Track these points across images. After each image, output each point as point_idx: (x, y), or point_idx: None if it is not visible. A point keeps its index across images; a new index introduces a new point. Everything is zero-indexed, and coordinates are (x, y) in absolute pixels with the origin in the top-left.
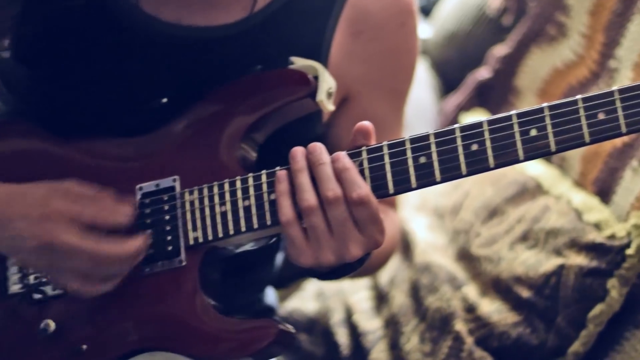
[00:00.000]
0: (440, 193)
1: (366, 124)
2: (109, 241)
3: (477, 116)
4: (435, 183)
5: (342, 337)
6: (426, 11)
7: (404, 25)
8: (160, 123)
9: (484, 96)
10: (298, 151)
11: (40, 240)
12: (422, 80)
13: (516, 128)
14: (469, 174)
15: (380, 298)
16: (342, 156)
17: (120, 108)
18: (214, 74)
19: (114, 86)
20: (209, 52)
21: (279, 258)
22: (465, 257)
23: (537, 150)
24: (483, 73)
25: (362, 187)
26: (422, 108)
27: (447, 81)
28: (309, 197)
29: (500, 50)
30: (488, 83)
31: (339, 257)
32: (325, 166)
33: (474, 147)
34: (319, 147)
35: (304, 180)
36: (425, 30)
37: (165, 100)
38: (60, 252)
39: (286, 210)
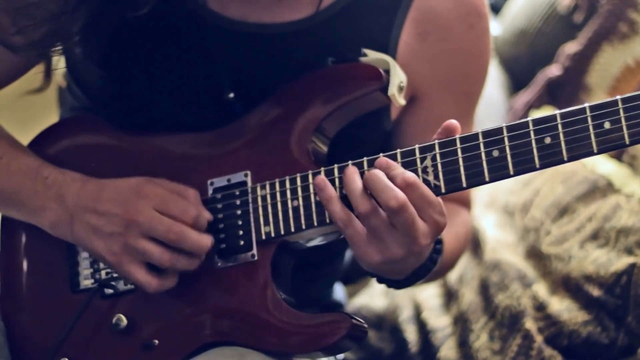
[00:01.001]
0: (509, 191)
1: (453, 122)
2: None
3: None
4: (509, 176)
5: (411, 334)
6: (496, 9)
7: (473, 27)
8: (228, 118)
9: (554, 94)
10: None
11: (125, 216)
12: (492, 77)
13: (590, 121)
14: (543, 167)
15: (450, 295)
16: (384, 160)
17: (188, 104)
18: (279, 69)
19: (181, 82)
20: (274, 49)
21: (348, 254)
22: (535, 255)
23: (611, 143)
24: (553, 70)
25: (407, 173)
26: (491, 105)
27: (517, 78)
28: (363, 202)
29: (571, 47)
30: (558, 80)
31: (408, 250)
32: (380, 174)
33: (548, 140)
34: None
35: (356, 186)
36: (495, 28)
37: (232, 95)
38: (139, 226)
39: (338, 213)
